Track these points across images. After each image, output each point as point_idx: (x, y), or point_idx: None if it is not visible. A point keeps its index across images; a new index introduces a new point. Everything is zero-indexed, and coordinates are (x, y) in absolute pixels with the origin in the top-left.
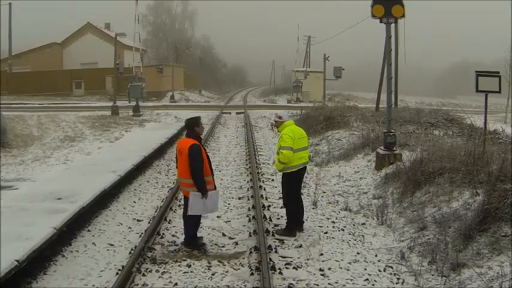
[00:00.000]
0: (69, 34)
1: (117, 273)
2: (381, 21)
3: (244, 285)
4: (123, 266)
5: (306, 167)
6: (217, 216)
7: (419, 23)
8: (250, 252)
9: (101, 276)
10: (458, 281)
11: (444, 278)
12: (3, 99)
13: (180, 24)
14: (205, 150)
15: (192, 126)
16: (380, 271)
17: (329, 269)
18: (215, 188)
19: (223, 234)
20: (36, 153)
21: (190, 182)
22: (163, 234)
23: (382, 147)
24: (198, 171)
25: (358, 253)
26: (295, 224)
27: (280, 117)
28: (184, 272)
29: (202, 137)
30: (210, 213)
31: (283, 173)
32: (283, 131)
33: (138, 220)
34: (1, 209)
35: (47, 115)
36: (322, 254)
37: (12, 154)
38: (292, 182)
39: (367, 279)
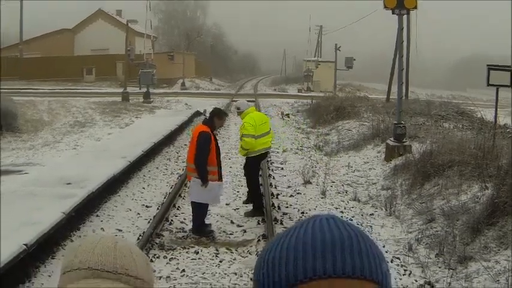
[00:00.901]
0: (80, 20)
1: None
2: (393, 13)
3: (252, 273)
4: None
5: (268, 152)
6: (226, 204)
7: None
8: (258, 240)
9: None
10: (465, 274)
11: (451, 270)
12: (15, 84)
13: (192, 12)
14: (216, 140)
15: (213, 116)
16: (387, 262)
17: None
18: (220, 180)
19: (232, 222)
20: (46, 138)
21: (194, 167)
22: (171, 220)
23: (392, 139)
24: (201, 159)
25: None
26: (262, 204)
27: (238, 109)
28: (192, 259)
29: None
30: (211, 203)
31: (246, 158)
32: (245, 119)
33: (147, 206)
34: (10, 193)
35: (57, 100)
36: None
37: (22, 139)
38: (255, 165)
39: None
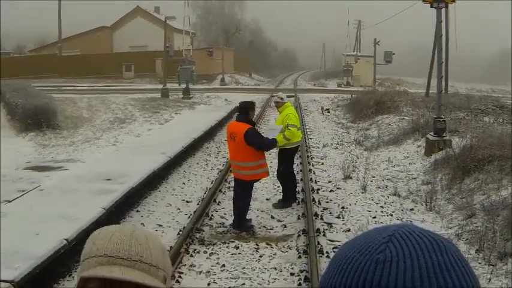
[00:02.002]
0: (118, 18)
1: None
2: (431, 6)
3: (292, 268)
4: (171, 247)
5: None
6: (267, 199)
7: (470, 7)
8: (298, 235)
9: None
10: (505, 271)
11: (491, 266)
12: (54, 81)
13: (230, 8)
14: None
15: (247, 110)
16: None
17: None
18: (268, 174)
19: (272, 217)
20: (86, 135)
21: (242, 165)
22: (212, 215)
23: (431, 133)
24: (270, 145)
25: None
26: (291, 196)
27: (282, 99)
28: (232, 254)
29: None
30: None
31: (280, 149)
32: (286, 110)
33: (187, 201)
34: (51, 189)
35: (97, 97)
36: None
37: (62, 136)
38: (290, 157)
39: None
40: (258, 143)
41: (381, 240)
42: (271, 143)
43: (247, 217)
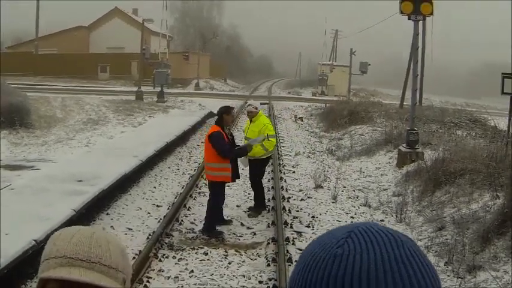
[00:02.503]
0: (96, 18)
1: (134, 258)
2: (409, 18)
3: (260, 276)
4: (140, 251)
5: None
6: (237, 206)
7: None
8: (268, 243)
9: None
10: (474, 284)
11: (460, 279)
12: (29, 80)
13: (208, 12)
14: (229, 137)
15: (221, 114)
16: None
17: None
18: (233, 180)
19: (242, 224)
20: (59, 135)
21: (207, 164)
22: (182, 220)
23: (404, 145)
24: (227, 154)
25: None
26: (262, 204)
27: (256, 108)
28: (201, 260)
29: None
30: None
31: (256, 158)
32: (261, 119)
33: (158, 206)
34: (22, 189)
35: (71, 97)
36: None
37: (35, 135)
38: (265, 166)
39: None
40: (218, 148)
41: (341, 236)
42: (231, 151)
43: (219, 224)
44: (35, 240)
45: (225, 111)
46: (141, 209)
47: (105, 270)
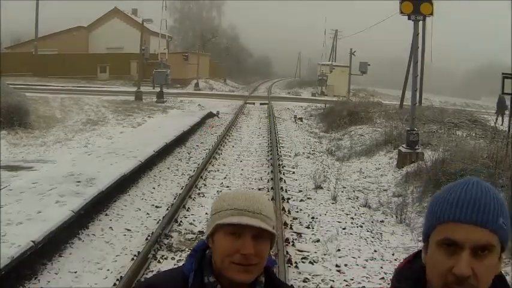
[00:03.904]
0: (95, 18)
1: (132, 259)
2: (409, 18)
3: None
4: (139, 252)
5: None
6: None
7: (447, 21)
8: None
9: (116, 261)
10: None
11: None
12: (28, 80)
13: (208, 13)
14: None
15: None
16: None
17: (345, 265)
18: None
19: None
20: (57, 136)
21: None
22: (181, 221)
23: (404, 145)
24: None
25: (375, 251)
26: None
27: None
28: None
29: (225, 127)
30: None
31: None
32: None
33: (157, 206)
34: (21, 189)
35: (70, 98)
36: (339, 250)
37: (34, 135)
38: None
39: (383, 278)
40: None
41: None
42: None
43: None
44: (33, 242)
45: None
46: (140, 209)
47: (264, 218)
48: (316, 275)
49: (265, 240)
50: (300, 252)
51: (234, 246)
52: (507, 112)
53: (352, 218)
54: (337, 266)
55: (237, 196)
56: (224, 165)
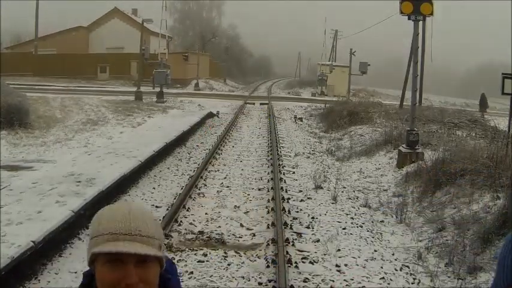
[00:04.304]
0: (95, 18)
1: None
2: (409, 18)
3: (260, 278)
4: None
5: None
6: (236, 206)
7: (447, 21)
8: (267, 245)
9: None
10: (474, 285)
11: (460, 280)
12: (28, 80)
13: (208, 13)
14: None
15: None
16: (396, 270)
17: (345, 265)
18: None
19: (241, 225)
20: (58, 135)
21: None
22: (181, 221)
23: (404, 145)
24: None
25: (375, 251)
26: None
27: None
28: (199, 261)
29: (225, 127)
30: None
31: None
32: None
33: (157, 206)
34: (21, 189)
35: (70, 98)
36: (339, 250)
37: (34, 135)
38: None
39: (383, 278)
40: None
41: None
42: None
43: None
44: (33, 242)
45: None
46: None
47: (145, 240)
48: (316, 275)
49: (152, 262)
50: (300, 252)
51: (115, 276)
52: (488, 110)
53: (352, 218)
54: (337, 266)
55: (112, 216)
56: (224, 165)
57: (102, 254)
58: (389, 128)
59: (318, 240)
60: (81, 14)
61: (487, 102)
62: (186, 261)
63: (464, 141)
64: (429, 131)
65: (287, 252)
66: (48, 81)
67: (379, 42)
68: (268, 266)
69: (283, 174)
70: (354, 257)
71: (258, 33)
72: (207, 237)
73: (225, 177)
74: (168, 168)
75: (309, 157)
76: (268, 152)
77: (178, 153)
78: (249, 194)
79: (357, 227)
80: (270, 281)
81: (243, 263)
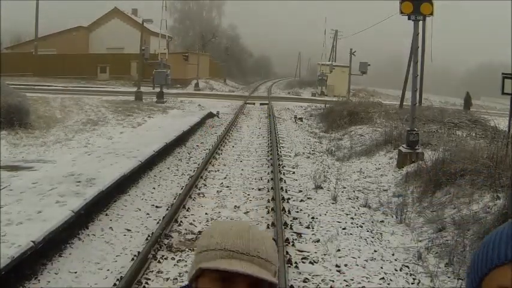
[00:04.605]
0: (96, 18)
1: (132, 259)
2: (409, 18)
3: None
4: (139, 252)
5: None
6: (236, 206)
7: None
8: None
9: (116, 261)
10: None
11: (460, 280)
12: (28, 80)
13: (208, 13)
14: None
15: None
16: (396, 270)
17: (345, 265)
18: None
19: None
20: (58, 136)
21: None
22: (181, 222)
23: (404, 145)
24: None
25: (375, 251)
26: None
27: None
28: None
29: (225, 127)
30: None
31: None
32: None
33: (157, 207)
34: (21, 189)
35: (70, 98)
36: (339, 250)
37: (34, 135)
38: None
39: (383, 278)
40: None
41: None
42: None
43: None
44: (33, 242)
45: None
46: (140, 210)
47: (262, 263)
48: (316, 275)
49: None
50: (300, 253)
51: None
52: (471, 108)
53: (352, 218)
54: (337, 266)
55: (228, 232)
56: (224, 165)
57: (212, 270)
58: (389, 128)
59: (318, 240)
60: (81, 14)
61: (471, 101)
62: (186, 261)
63: (464, 141)
64: (429, 131)
65: (287, 252)
66: (48, 81)
67: (379, 42)
68: None
69: (283, 174)
70: (354, 257)
71: (258, 33)
72: None
73: (225, 177)
74: (168, 168)
75: (309, 157)
76: (268, 152)
77: (178, 153)
78: (249, 194)
79: (357, 227)
80: None
81: None
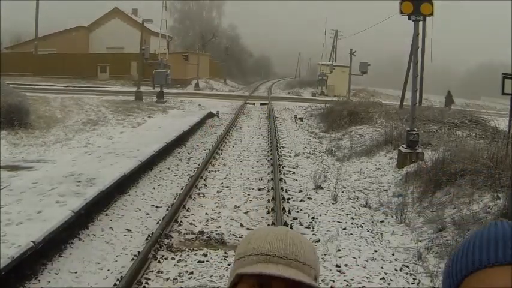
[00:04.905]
0: (96, 18)
1: (132, 259)
2: (409, 19)
3: None
4: (139, 252)
5: None
6: (236, 206)
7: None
8: None
9: (116, 261)
10: None
11: None
12: (28, 80)
13: (208, 13)
14: None
15: None
16: (396, 270)
17: (345, 265)
18: None
19: (241, 225)
20: (58, 135)
21: None
22: (181, 222)
23: (404, 146)
24: None
25: (375, 251)
26: None
27: None
28: (199, 261)
29: (225, 127)
30: None
31: None
32: None
33: (157, 207)
34: (21, 189)
35: (70, 98)
36: (339, 250)
37: (34, 135)
38: None
39: (383, 278)
40: None
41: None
42: None
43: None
44: (33, 242)
45: None
46: (140, 210)
47: (300, 266)
48: None
49: None
50: None
51: None
52: (453, 106)
53: (352, 218)
54: (337, 266)
55: (265, 236)
56: (224, 165)
57: (249, 275)
58: (389, 128)
59: (318, 241)
60: (81, 14)
61: (452, 98)
62: (186, 261)
63: (465, 142)
64: (429, 131)
65: None
66: (48, 81)
67: (379, 42)
68: None
69: (283, 174)
70: (354, 257)
71: (258, 33)
72: (207, 237)
73: (225, 178)
74: (168, 168)
75: (309, 157)
76: (268, 152)
77: (179, 153)
78: (249, 194)
79: (357, 227)
80: None
81: None
